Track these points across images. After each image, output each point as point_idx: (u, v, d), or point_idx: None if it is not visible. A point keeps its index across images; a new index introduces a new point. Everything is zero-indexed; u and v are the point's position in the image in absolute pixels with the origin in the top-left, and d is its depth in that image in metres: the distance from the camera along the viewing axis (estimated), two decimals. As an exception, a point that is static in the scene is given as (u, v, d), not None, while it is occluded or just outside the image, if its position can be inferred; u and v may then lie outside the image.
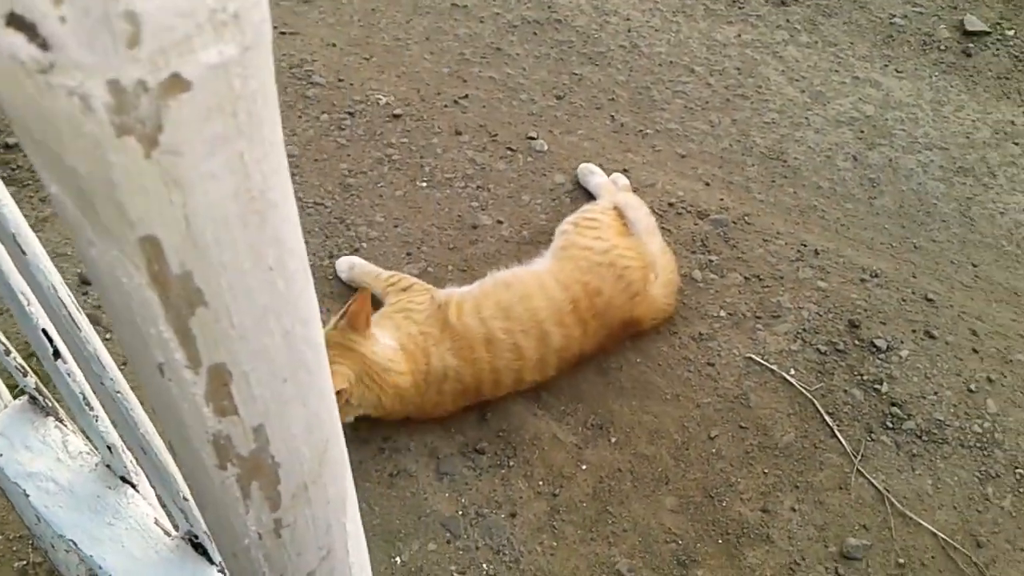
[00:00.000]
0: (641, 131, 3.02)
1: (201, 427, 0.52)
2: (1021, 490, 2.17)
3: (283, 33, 3.31)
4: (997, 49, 3.42)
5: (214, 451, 0.54)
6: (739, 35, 3.40)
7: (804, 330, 2.49)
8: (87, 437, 1.52)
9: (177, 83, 0.36)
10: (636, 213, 2.53)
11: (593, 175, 2.75)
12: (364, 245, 2.65)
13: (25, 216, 2.71)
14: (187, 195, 0.40)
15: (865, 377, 2.38)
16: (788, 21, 3.47)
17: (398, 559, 2.06)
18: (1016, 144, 3.07)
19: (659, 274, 2.41)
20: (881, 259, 2.68)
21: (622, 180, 2.74)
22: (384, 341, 2.15)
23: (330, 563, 0.64)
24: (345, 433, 2.09)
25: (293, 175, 2.77)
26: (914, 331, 2.49)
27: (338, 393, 2.01)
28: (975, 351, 2.44)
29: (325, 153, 2.90)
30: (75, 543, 1.44)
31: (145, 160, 0.38)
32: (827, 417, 2.30)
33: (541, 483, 2.19)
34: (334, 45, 3.28)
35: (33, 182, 2.75)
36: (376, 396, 2.10)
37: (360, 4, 3.45)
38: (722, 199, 2.82)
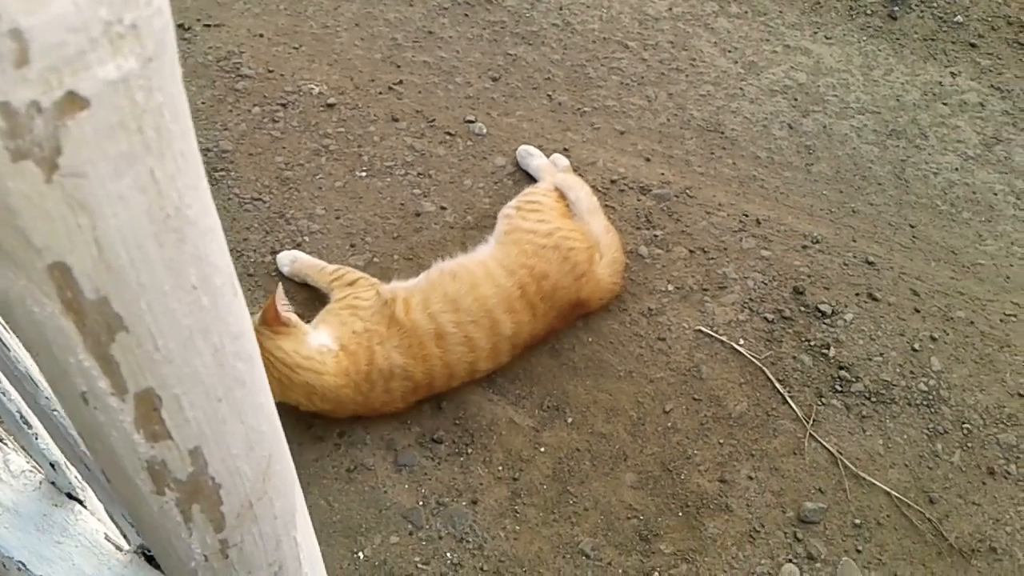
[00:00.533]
0: (579, 109, 3.01)
1: (133, 454, 0.50)
2: (969, 444, 2.23)
3: (207, 26, 3.23)
4: (922, 12, 3.48)
5: (149, 477, 0.52)
6: (670, 8, 3.40)
7: (750, 299, 2.52)
8: (29, 455, 1.47)
9: (74, 102, 0.34)
10: (577, 193, 2.52)
11: (532, 157, 2.74)
12: (306, 239, 2.60)
13: None
14: (95, 218, 0.37)
15: (812, 343, 2.42)
16: (718, -8, 3.49)
17: (360, 554, 2.04)
18: (945, 104, 3.12)
19: (604, 253, 2.41)
20: (821, 225, 2.72)
21: (562, 161, 2.73)
22: (315, 340, 2.12)
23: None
24: (300, 431, 2.07)
25: (227, 171, 2.72)
26: (857, 294, 2.53)
27: None
28: (917, 311, 2.49)
29: (259, 147, 2.84)
30: (24, 564, 1.40)
31: (46, 184, 0.35)
32: (778, 384, 2.33)
33: (500, 468, 2.19)
34: (261, 36, 3.21)
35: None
36: (299, 392, 2.09)
37: (286, -7, 3.38)
38: (663, 174, 2.82)
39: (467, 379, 2.25)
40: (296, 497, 0.63)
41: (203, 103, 2.95)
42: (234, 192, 2.70)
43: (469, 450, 2.21)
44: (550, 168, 2.68)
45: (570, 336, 2.41)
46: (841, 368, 2.36)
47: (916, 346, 2.40)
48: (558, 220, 2.40)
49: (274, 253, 2.55)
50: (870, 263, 2.61)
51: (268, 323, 2.05)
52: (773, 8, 3.43)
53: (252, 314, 2.24)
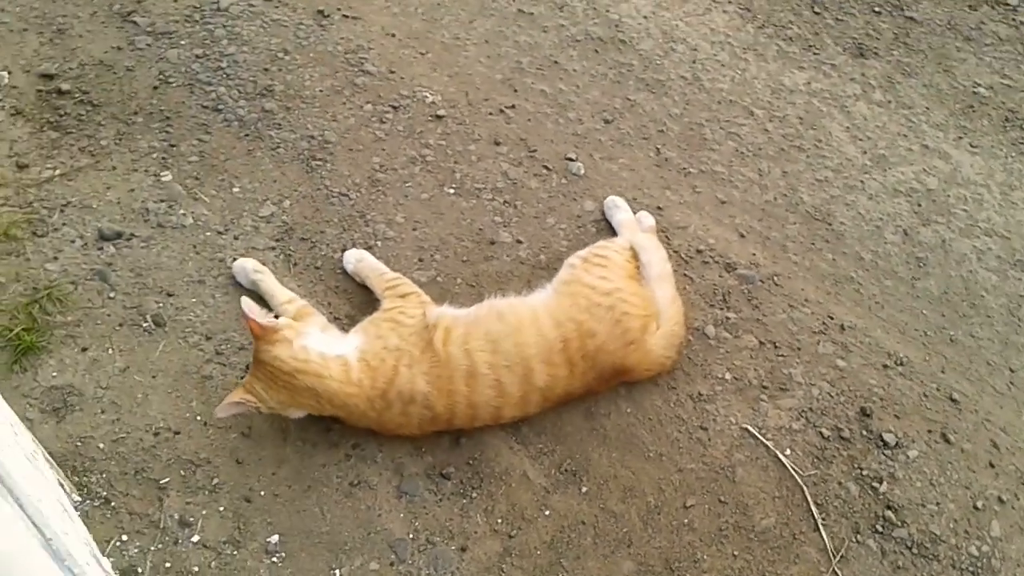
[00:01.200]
0: (685, 169, 2.90)
1: None
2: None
3: (345, 16, 3.28)
4: (1088, 138, 3.18)
5: None
6: (809, 83, 3.23)
7: (811, 409, 2.35)
8: None
9: None
10: (651, 256, 2.42)
11: (618, 210, 2.65)
12: (379, 244, 2.60)
13: (62, 162, 2.74)
14: None
15: (865, 472, 2.23)
16: (864, 75, 3.29)
17: (337, 571, 2.01)
18: (1088, 244, 2.84)
19: (662, 324, 2.30)
20: (911, 346, 2.51)
21: (647, 220, 2.62)
22: (316, 343, 2.11)
23: None
24: (316, 432, 2.06)
25: (325, 161, 2.76)
26: (930, 431, 2.32)
27: (238, 403, 2.04)
28: (992, 465, 2.26)
29: (361, 144, 2.85)
30: None
31: None
32: (814, 507, 2.16)
33: (500, 521, 2.12)
34: (393, 35, 3.23)
35: (76, 130, 2.78)
36: (306, 397, 2.07)
37: (428, -3, 3.40)
38: (754, 254, 2.68)
39: (490, 423, 2.19)
40: None
41: (320, 91, 2.99)
42: (325, 183, 2.73)
43: (474, 494, 2.15)
44: (632, 225, 2.59)
45: (609, 401, 2.31)
46: (889, 507, 2.16)
47: (979, 504, 2.18)
48: (621, 280, 2.30)
49: (345, 250, 2.55)
50: (954, 400, 2.39)
51: (256, 337, 2.04)
52: (921, 103, 3.21)
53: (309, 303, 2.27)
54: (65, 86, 2.88)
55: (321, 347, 2.11)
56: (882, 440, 2.29)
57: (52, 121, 2.79)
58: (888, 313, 2.59)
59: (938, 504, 2.17)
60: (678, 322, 2.35)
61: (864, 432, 2.31)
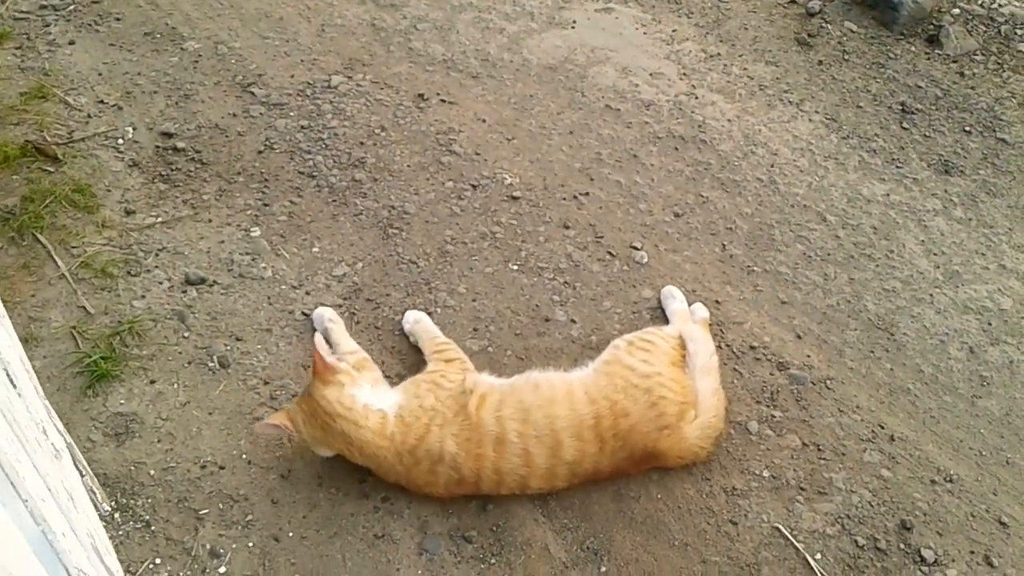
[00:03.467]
0: (749, 267, 2.92)
1: None
2: None
3: (443, 101, 3.50)
4: None
5: None
6: (888, 194, 3.22)
7: (848, 516, 2.28)
8: None
9: None
10: (698, 347, 2.44)
11: (673, 299, 2.69)
12: (438, 310, 2.71)
13: (165, 212, 3.00)
14: None
15: (898, 586, 2.15)
16: (946, 191, 3.25)
17: (349, 620, 2.06)
18: None
19: (701, 414, 2.30)
20: (963, 465, 2.42)
21: (701, 312, 2.65)
22: (363, 395, 2.21)
23: None
24: (350, 481, 2.17)
25: (400, 230, 2.91)
26: (972, 552, 2.21)
27: (276, 425, 2.19)
28: (1037, 595, 2.14)
29: (437, 217, 3.01)
30: None
31: None
32: (839, 616, 2.09)
33: (514, 590, 2.13)
34: (484, 121, 3.42)
35: (183, 184, 3.05)
36: (339, 441, 2.17)
37: (521, 89, 3.58)
38: (809, 356, 2.65)
39: (517, 491, 2.23)
40: None
41: (408, 166, 3.19)
42: (397, 250, 2.88)
43: (493, 560, 2.17)
44: (685, 315, 2.62)
45: (639, 484, 2.32)
46: (919, 627, 2.07)
47: (1018, 635, 2.06)
48: (663, 366, 2.33)
49: (402, 313, 2.68)
50: (1003, 524, 2.28)
51: (316, 372, 2.16)
52: (1004, 223, 3.14)
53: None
54: (181, 144, 3.17)
55: (367, 399, 2.21)
56: (920, 556, 2.19)
57: (164, 174, 3.07)
58: (943, 428, 2.51)
59: (973, 631, 2.06)
60: (717, 415, 2.34)
61: (902, 545, 2.22)
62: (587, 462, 2.21)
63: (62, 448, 1.63)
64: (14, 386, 1.33)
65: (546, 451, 2.18)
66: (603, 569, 2.17)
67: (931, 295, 2.88)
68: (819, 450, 2.43)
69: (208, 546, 2.15)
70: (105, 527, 2.09)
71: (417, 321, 2.61)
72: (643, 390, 2.24)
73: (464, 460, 2.16)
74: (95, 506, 2.05)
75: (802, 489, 2.34)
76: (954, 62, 3.80)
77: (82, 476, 2.03)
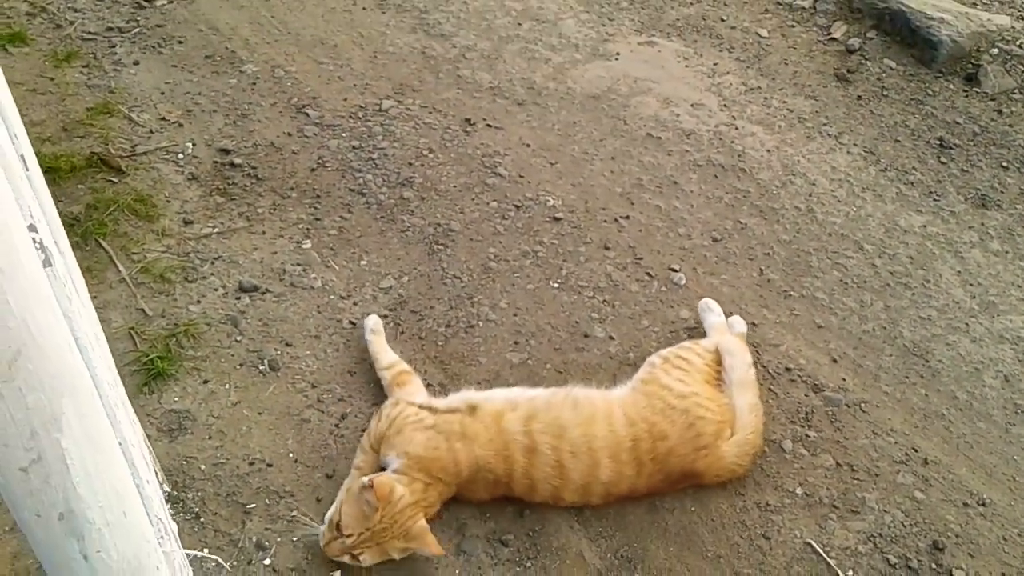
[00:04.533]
0: (786, 292, 2.97)
1: None
2: None
3: (489, 126, 3.61)
4: None
5: None
6: (925, 226, 3.27)
7: (881, 535, 2.31)
8: None
9: None
10: (734, 360, 2.49)
11: (711, 312, 2.74)
12: (480, 324, 2.80)
13: (221, 223, 3.12)
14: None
15: (930, 605, 2.17)
16: (983, 224, 3.29)
17: (387, 614, 2.12)
18: None
19: (738, 431, 2.35)
20: (997, 489, 2.44)
21: (739, 325, 2.70)
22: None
23: (43, 469, 0.75)
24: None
25: (445, 247, 3.01)
26: (1004, 574, 2.23)
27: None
28: (1070, 620, 2.15)
29: (481, 235, 3.11)
30: None
31: None
32: (870, 632, 2.11)
33: (549, 594, 2.18)
34: (528, 146, 3.53)
35: (239, 198, 3.18)
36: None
37: (565, 116, 3.69)
38: (844, 379, 2.70)
39: (550, 502, 2.28)
40: (65, 408, 0.76)
41: (454, 186, 3.30)
42: (442, 265, 2.98)
43: (528, 564, 2.23)
44: (723, 329, 2.67)
45: (674, 498, 2.36)
46: (950, 645, 2.09)
47: (1051, 657, 2.07)
48: (699, 385, 2.39)
49: (448, 326, 2.77)
50: (1037, 549, 2.30)
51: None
52: (1041, 257, 3.18)
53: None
54: (238, 160, 3.31)
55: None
56: (952, 577, 2.22)
57: (221, 188, 3.20)
58: (976, 454, 2.53)
59: (1004, 651, 2.08)
60: (755, 431, 2.39)
61: (934, 565, 2.24)
62: (623, 483, 2.26)
63: (134, 419, 1.72)
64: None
65: (582, 468, 2.23)
66: (636, 577, 2.22)
67: (967, 324, 2.91)
68: (852, 470, 2.46)
69: (254, 539, 2.23)
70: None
71: (373, 331, 2.65)
72: (681, 411, 2.29)
73: (495, 461, 2.22)
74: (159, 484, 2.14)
75: (835, 507, 2.37)
76: (992, 100, 3.86)
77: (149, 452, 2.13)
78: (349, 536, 2.07)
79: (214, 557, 2.00)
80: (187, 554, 1.36)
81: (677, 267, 3.03)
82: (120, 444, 0.93)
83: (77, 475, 0.77)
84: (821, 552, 2.26)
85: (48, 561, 0.84)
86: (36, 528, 0.78)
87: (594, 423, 2.28)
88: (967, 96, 3.90)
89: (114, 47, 3.86)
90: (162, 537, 1.08)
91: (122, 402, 1.30)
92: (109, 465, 0.84)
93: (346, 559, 2.12)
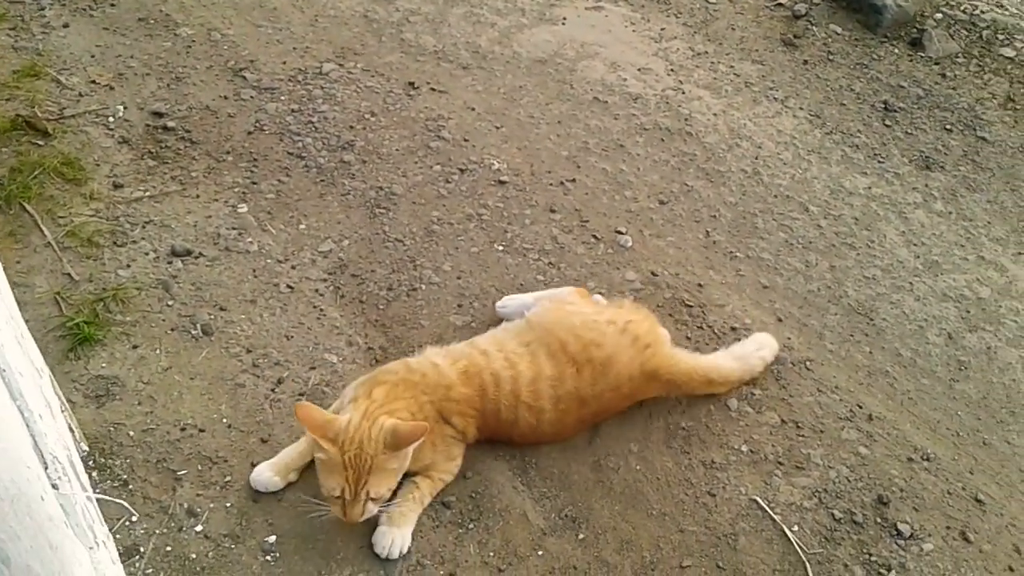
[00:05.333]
0: (731, 253, 2.95)
1: None
2: None
3: (433, 89, 3.53)
4: None
5: None
6: (869, 187, 3.27)
7: (826, 491, 2.30)
8: None
9: None
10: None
11: (512, 300, 2.66)
12: (423, 287, 2.73)
13: (153, 187, 3.00)
14: None
15: (874, 558, 2.16)
16: (927, 186, 3.30)
17: (324, 579, 2.06)
18: None
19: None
20: (940, 445, 2.44)
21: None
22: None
23: None
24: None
25: (387, 210, 2.93)
26: (948, 528, 2.23)
27: None
28: (1011, 569, 2.15)
29: (424, 199, 3.03)
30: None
31: None
32: (815, 585, 2.10)
33: (492, 555, 2.13)
34: (473, 109, 3.45)
35: (172, 161, 3.06)
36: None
37: (511, 80, 3.62)
38: (789, 338, 2.68)
39: (513, 401, 2.24)
40: None
41: (396, 150, 3.21)
42: (384, 229, 2.90)
43: (471, 525, 2.18)
44: (534, 296, 2.65)
45: (619, 456, 2.33)
46: (894, 596, 2.08)
47: (992, 605, 2.07)
48: (601, 309, 2.49)
49: (391, 290, 2.69)
50: (979, 501, 2.30)
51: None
52: (983, 217, 3.19)
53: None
54: (171, 124, 3.19)
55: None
56: (896, 530, 2.21)
57: (153, 152, 3.08)
58: (920, 410, 2.53)
59: (947, 600, 2.08)
60: (731, 369, 2.51)
61: (879, 520, 2.24)
62: (568, 382, 2.25)
63: (43, 369, 1.62)
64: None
65: (526, 363, 2.26)
66: (581, 536, 2.18)
67: (911, 283, 2.92)
68: (798, 427, 2.45)
69: (186, 505, 2.15)
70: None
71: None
72: (606, 321, 2.35)
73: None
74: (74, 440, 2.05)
75: (780, 464, 2.36)
76: (936, 64, 3.87)
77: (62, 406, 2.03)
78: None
79: (120, 501, 1.91)
80: (93, 498, 1.28)
81: (623, 229, 2.98)
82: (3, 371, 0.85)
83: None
84: (766, 508, 2.24)
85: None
86: None
87: (520, 333, 2.36)
88: (911, 60, 3.91)
89: (43, 9, 3.69)
90: (61, 478, 1.00)
91: (9, 320, 1.19)
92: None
93: (370, 509, 2.03)
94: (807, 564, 2.13)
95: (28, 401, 0.87)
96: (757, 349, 2.54)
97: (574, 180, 3.17)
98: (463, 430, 2.24)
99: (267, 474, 2.18)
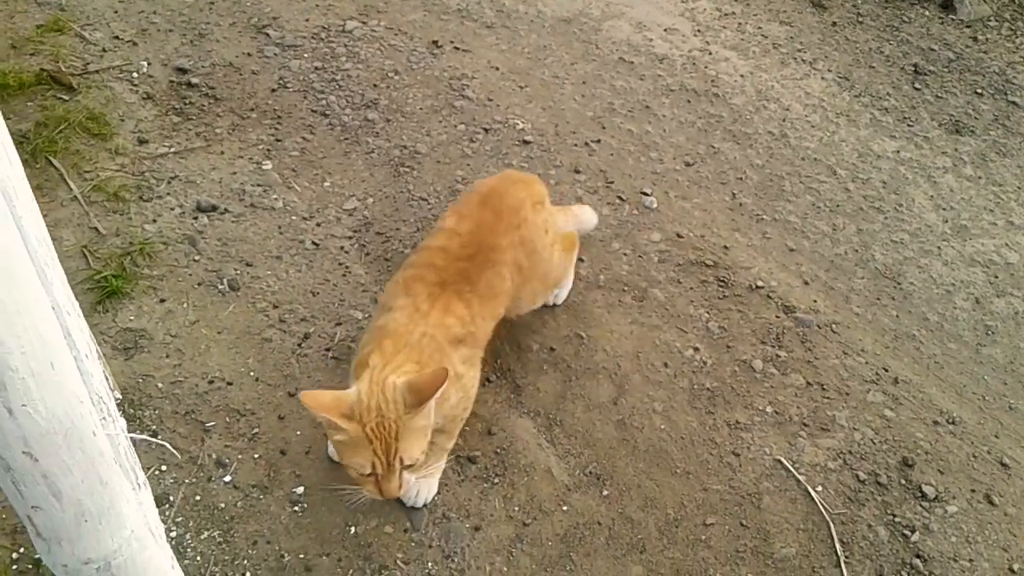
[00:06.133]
0: (758, 215, 2.93)
1: None
2: None
3: (456, 48, 3.50)
4: None
5: None
6: (898, 151, 3.23)
7: (850, 452, 2.30)
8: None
9: None
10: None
11: None
12: (447, 246, 2.72)
13: (177, 143, 3.00)
14: None
15: (898, 519, 2.16)
16: (956, 150, 3.26)
17: (352, 529, 2.07)
18: None
19: None
20: (966, 408, 2.43)
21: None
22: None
23: None
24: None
25: (412, 169, 2.92)
26: (973, 491, 2.23)
27: None
28: (1036, 531, 2.16)
29: (448, 158, 3.02)
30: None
31: None
32: (839, 544, 2.10)
33: (517, 509, 2.15)
34: (497, 69, 3.43)
35: (196, 118, 3.05)
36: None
37: (535, 40, 3.59)
38: (815, 301, 2.67)
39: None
40: None
41: (420, 109, 3.20)
42: (408, 187, 2.89)
43: (496, 480, 2.19)
44: None
45: (643, 415, 2.33)
46: (918, 556, 2.08)
47: (1016, 567, 2.07)
48: None
49: (414, 247, 2.69)
50: (1004, 465, 2.30)
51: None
52: (1013, 182, 3.15)
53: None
54: (195, 80, 3.18)
55: None
56: (921, 491, 2.21)
57: (177, 108, 3.08)
58: (947, 374, 2.52)
59: (971, 561, 2.08)
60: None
61: (903, 481, 2.24)
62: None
63: (71, 297, 1.60)
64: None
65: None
66: (605, 493, 2.19)
67: (939, 247, 2.89)
68: (823, 389, 2.44)
69: (214, 456, 2.17)
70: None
71: None
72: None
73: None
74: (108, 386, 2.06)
75: (805, 425, 2.36)
76: (967, 27, 3.81)
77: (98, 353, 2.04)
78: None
79: (165, 443, 1.93)
80: (133, 438, 1.29)
81: (649, 191, 2.96)
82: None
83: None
84: (791, 468, 2.25)
85: (-31, 416, 0.77)
86: (-48, 374, 0.71)
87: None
88: (942, 23, 3.85)
89: (64, -36, 3.68)
90: (105, 418, 1.01)
91: (51, 263, 1.19)
92: (31, 306, 0.76)
93: (406, 479, 1.85)
94: (831, 524, 2.14)
95: (75, 340, 0.87)
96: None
97: (599, 141, 3.15)
98: (467, 318, 2.11)
99: None
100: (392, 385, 1.86)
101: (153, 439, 1.90)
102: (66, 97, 3.06)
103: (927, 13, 3.90)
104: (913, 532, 2.13)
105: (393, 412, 1.81)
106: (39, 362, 0.76)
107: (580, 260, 2.72)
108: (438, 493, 2.14)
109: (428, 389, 1.81)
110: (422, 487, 2.09)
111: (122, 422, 1.31)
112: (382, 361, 1.96)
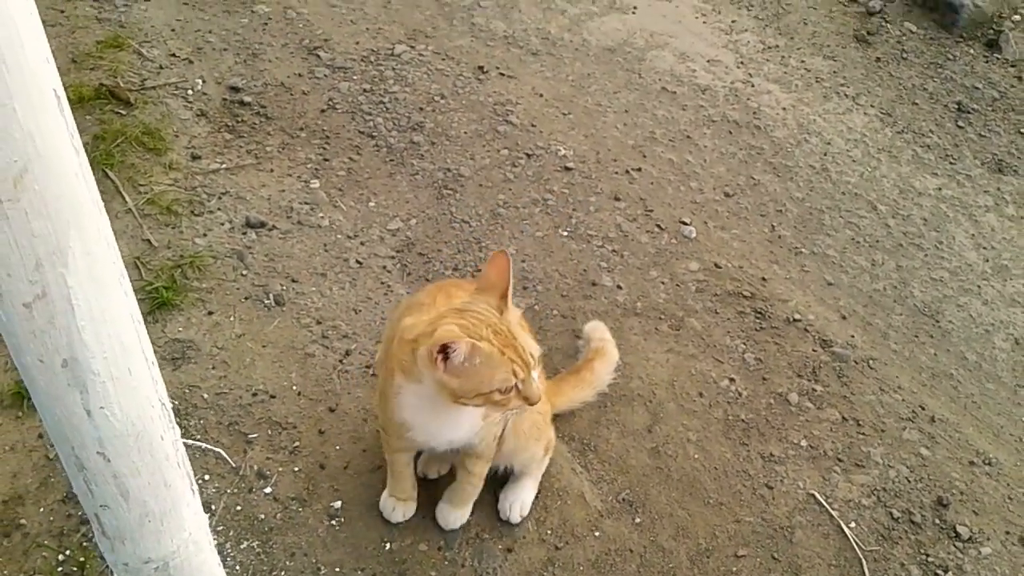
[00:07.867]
0: (796, 249, 2.94)
1: None
2: None
3: (502, 74, 3.57)
4: None
5: None
6: (940, 188, 3.23)
7: (885, 489, 2.30)
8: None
9: None
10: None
11: None
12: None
13: (229, 159, 3.08)
14: None
15: (931, 559, 2.16)
16: (999, 189, 3.26)
17: (388, 545, 2.11)
18: None
19: None
20: (1003, 449, 2.42)
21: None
22: None
23: (48, 308, 0.73)
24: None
25: (455, 192, 2.97)
26: (1008, 532, 2.22)
27: None
28: (1072, 577, 2.14)
29: (491, 182, 3.07)
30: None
31: None
32: (870, 582, 2.10)
33: (549, 533, 2.17)
34: (541, 95, 3.48)
35: (247, 136, 3.14)
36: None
37: (579, 67, 3.64)
38: (853, 336, 2.67)
39: None
40: (71, 238, 0.73)
41: (465, 133, 3.26)
42: (451, 210, 2.95)
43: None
44: None
45: (677, 444, 2.35)
46: (950, 597, 2.08)
47: (1050, 612, 2.06)
48: None
49: (455, 269, 2.74)
50: (1041, 508, 2.29)
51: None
52: (1056, 224, 3.15)
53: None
54: (247, 99, 3.27)
55: None
56: (955, 532, 2.21)
57: (229, 125, 3.16)
58: (984, 414, 2.52)
59: (1004, 604, 2.07)
60: None
61: (937, 521, 2.23)
62: None
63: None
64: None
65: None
66: (637, 520, 2.21)
67: (979, 286, 2.89)
68: (858, 425, 2.45)
69: (256, 468, 2.22)
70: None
71: None
72: None
73: None
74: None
75: (839, 460, 2.36)
76: (1012, 66, 3.81)
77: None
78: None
79: (220, 450, 1.98)
80: (187, 443, 1.34)
81: (688, 220, 2.99)
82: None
83: (82, 318, 0.74)
84: (824, 503, 2.25)
85: (49, 415, 0.82)
86: (39, 375, 0.76)
87: None
88: (987, 62, 3.85)
89: (125, -18, 3.81)
90: (169, 423, 1.06)
91: (124, 273, 1.24)
92: (115, 314, 0.81)
93: (535, 378, 1.72)
94: (863, 561, 2.14)
95: (144, 347, 0.92)
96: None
97: (640, 169, 3.19)
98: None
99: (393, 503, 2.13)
100: (465, 304, 1.76)
101: (211, 447, 1.96)
102: (123, 112, 3.16)
103: (972, 51, 3.91)
104: (946, 572, 2.12)
105: (493, 318, 1.72)
106: (119, 367, 0.80)
107: (618, 287, 2.76)
108: (471, 513, 2.18)
109: (499, 279, 1.75)
110: (457, 513, 2.12)
111: (178, 429, 1.36)
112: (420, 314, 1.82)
